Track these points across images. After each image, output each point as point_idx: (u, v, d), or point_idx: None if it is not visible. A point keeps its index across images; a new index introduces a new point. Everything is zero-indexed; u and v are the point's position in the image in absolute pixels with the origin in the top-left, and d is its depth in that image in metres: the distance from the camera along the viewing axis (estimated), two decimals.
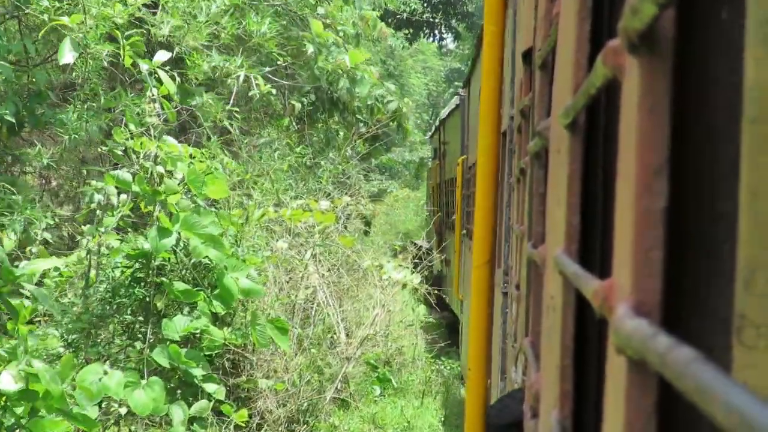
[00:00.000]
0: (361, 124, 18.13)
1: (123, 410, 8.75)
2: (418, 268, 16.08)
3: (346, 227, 16.73)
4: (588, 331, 1.47)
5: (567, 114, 1.47)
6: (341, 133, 18.82)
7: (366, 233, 20.06)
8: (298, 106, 16.08)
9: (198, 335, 9.59)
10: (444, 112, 21.11)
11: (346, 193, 16.03)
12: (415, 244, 25.16)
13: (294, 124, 16.88)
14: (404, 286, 14.11)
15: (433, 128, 25.17)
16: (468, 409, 4.72)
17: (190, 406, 9.01)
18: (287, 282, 12.45)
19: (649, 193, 0.83)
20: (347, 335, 13.27)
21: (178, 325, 9.18)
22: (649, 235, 0.83)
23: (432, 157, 26.09)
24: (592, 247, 1.47)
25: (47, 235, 10.07)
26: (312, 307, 12.72)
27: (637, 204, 0.84)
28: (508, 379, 3.63)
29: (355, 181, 18.89)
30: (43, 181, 14.03)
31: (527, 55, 3.36)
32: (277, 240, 12.59)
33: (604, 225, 1.37)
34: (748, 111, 0.66)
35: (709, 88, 0.87)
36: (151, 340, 9.26)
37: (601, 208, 1.42)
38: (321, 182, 15.87)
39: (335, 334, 13.00)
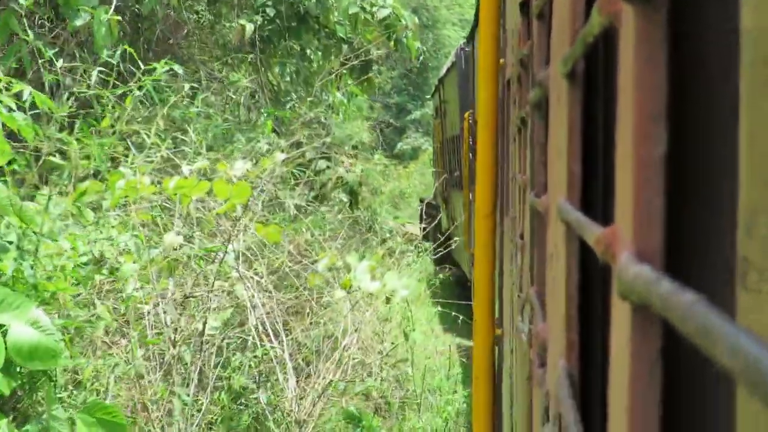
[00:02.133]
0: (345, 46, 13.54)
1: None
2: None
3: (317, 197, 12.67)
4: (592, 279, 1.48)
5: (565, 63, 1.47)
6: (315, 63, 13.88)
7: (352, 206, 15.13)
8: (249, 27, 11.67)
9: None
10: (442, 71, 20.90)
11: (286, 149, 10.56)
12: (422, 201, 25.10)
13: (248, 52, 12.54)
14: (388, 300, 8.73)
15: (434, 87, 24.96)
16: (475, 357, 4.75)
17: None
18: (181, 305, 7.71)
19: (649, 139, 0.84)
20: (299, 381, 8.30)
21: None
22: (650, 182, 0.84)
23: (434, 117, 25.81)
24: (595, 195, 1.47)
25: None
26: (234, 341, 8.19)
27: (637, 151, 0.84)
28: (514, 329, 3.65)
29: (329, 131, 13.80)
30: None
31: (524, 5, 3.35)
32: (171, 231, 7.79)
33: (606, 173, 1.37)
34: (746, 55, 0.66)
35: (706, 34, 0.87)
36: None
37: (603, 156, 1.43)
38: (263, 132, 11.30)
39: (278, 383, 8.10)
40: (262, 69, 13.19)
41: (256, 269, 8.68)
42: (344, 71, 14.27)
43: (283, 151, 10.15)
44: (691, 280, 0.83)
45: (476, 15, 12.03)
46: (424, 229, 24.55)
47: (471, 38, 14.25)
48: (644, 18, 0.85)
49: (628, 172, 0.87)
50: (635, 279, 0.79)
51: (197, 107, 10.47)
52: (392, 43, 13.67)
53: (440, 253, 14.81)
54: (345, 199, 14.77)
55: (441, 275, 17.56)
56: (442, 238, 14.29)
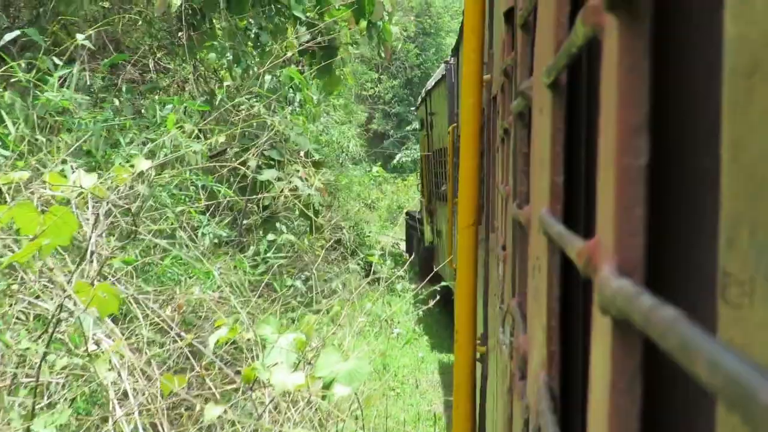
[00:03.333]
0: (302, 28, 10.65)
1: None
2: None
3: (251, 228, 10.08)
4: (574, 291, 1.47)
5: (549, 73, 1.47)
6: (267, 45, 10.59)
7: (313, 231, 11.54)
8: None
9: None
10: (430, 83, 20.96)
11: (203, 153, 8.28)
12: (408, 214, 25.24)
13: (180, 31, 9.69)
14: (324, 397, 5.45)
15: (420, 99, 25.04)
16: (456, 372, 4.73)
17: None
18: None
19: (630, 150, 0.83)
20: None
21: None
22: (631, 194, 0.83)
23: (419, 129, 25.79)
24: (577, 208, 1.47)
25: None
26: None
27: (619, 162, 0.84)
28: (496, 341, 3.64)
29: (277, 132, 10.32)
30: None
31: (509, 15, 3.35)
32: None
33: (588, 185, 1.36)
34: (729, 64, 0.66)
35: (689, 45, 0.86)
36: None
37: (585, 168, 1.42)
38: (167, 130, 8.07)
39: None
40: (193, 54, 10.19)
41: (136, 332, 5.93)
42: (302, 59, 11.41)
43: (161, 159, 7.50)
44: (673, 292, 0.82)
45: (461, 29, 11.90)
46: (407, 243, 24.73)
47: (456, 51, 14.25)
48: (628, 28, 0.84)
49: (610, 183, 0.87)
50: (616, 293, 0.78)
51: (63, 94, 7.50)
52: (364, 25, 11.12)
53: (424, 268, 14.70)
54: (300, 220, 11.27)
55: (425, 292, 17.34)
56: (424, 251, 13.97)
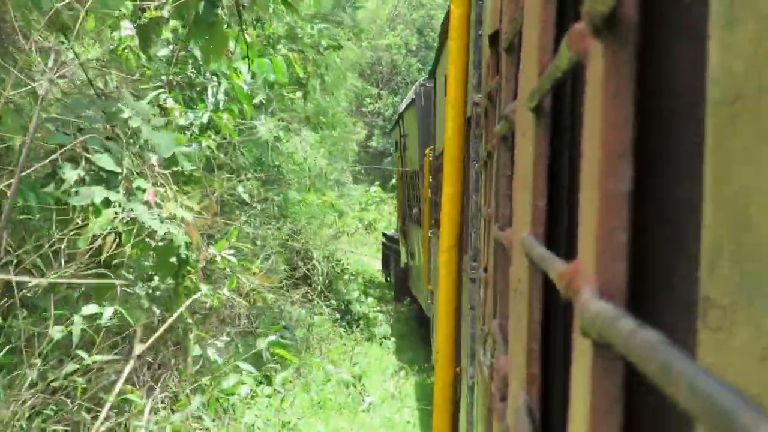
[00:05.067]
0: None
1: None
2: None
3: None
4: (555, 314, 1.47)
5: (532, 97, 1.47)
6: None
7: (176, 289, 7.12)
8: None
9: None
10: (402, 105, 20.88)
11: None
12: (385, 235, 25.12)
13: None
14: None
15: (393, 121, 24.89)
16: (436, 393, 4.73)
17: None
18: None
19: (614, 176, 0.83)
20: None
21: None
22: (614, 218, 0.84)
23: (394, 151, 25.47)
24: (559, 231, 1.47)
25: None
26: None
27: (602, 187, 0.84)
28: (477, 362, 3.64)
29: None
30: None
31: (494, 38, 3.36)
32: None
33: (570, 208, 1.37)
34: (712, 94, 0.66)
35: (674, 72, 0.87)
36: None
37: (567, 192, 1.43)
38: None
39: None
40: None
41: None
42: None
43: None
44: (655, 316, 0.82)
45: (438, 51, 11.74)
46: (383, 263, 24.67)
47: (433, 73, 14.10)
48: (612, 53, 0.85)
49: (593, 207, 0.87)
50: (596, 316, 0.78)
51: None
52: None
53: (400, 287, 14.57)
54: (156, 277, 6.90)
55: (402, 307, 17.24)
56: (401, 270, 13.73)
